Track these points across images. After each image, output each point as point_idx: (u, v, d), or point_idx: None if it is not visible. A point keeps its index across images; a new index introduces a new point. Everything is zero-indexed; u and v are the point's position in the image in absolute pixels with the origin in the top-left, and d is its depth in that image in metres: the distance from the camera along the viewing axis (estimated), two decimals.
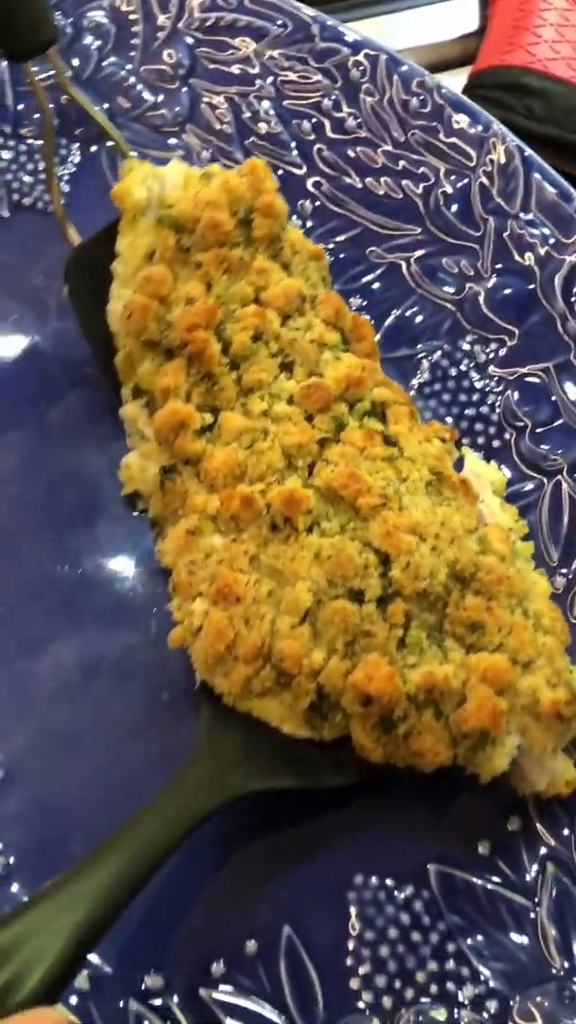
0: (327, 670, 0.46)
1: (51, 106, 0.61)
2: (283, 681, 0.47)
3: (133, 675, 0.52)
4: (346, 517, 0.49)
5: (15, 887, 0.47)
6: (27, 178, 0.66)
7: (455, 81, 0.80)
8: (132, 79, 0.68)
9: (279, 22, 0.68)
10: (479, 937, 0.47)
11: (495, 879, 0.49)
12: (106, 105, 0.68)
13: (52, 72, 0.62)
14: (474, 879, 0.49)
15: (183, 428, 0.52)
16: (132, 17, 0.68)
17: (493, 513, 0.52)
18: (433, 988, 0.46)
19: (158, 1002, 0.45)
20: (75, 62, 0.68)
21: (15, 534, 0.56)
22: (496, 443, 0.60)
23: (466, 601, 0.47)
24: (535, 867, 0.49)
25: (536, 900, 0.48)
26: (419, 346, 0.63)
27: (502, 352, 0.61)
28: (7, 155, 0.66)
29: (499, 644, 0.47)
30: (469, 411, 0.61)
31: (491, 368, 0.61)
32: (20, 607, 0.53)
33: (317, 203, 0.66)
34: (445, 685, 0.46)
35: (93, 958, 0.45)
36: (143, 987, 0.45)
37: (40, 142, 0.65)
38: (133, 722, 0.51)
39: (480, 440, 0.60)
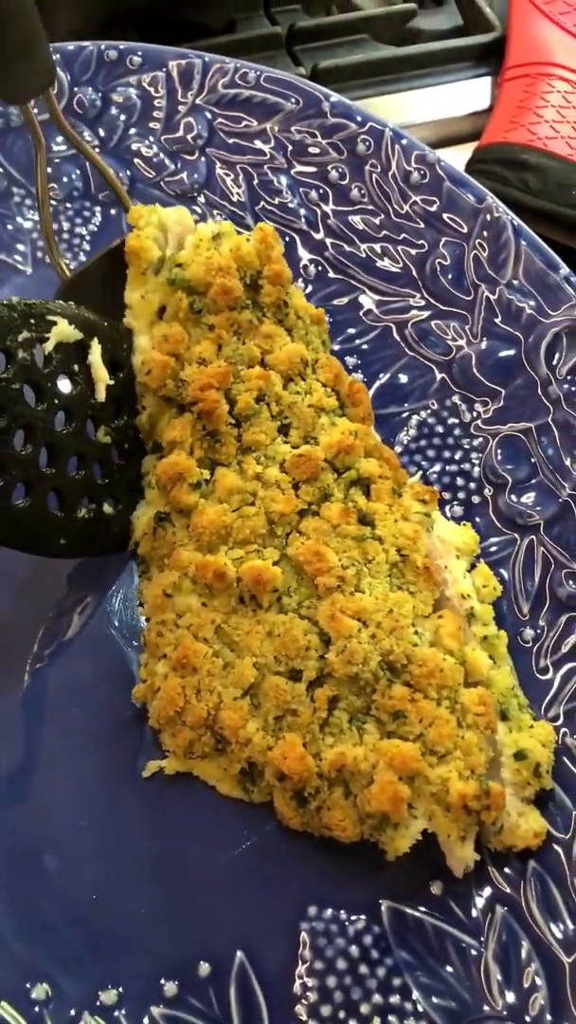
0: (253, 743, 0.50)
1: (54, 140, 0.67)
2: (220, 747, 0.52)
3: (103, 703, 0.56)
4: (307, 592, 0.53)
5: None
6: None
7: (464, 155, 0.84)
8: (154, 148, 0.73)
9: (293, 99, 0.72)
10: (425, 973, 0.49)
11: (445, 918, 0.50)
12: (128, 172, 0.73)
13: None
14: (425, 917, 0.50)
15: (180, 480, 0.56)
16: (157, 92, 0.73)
17: (456, 581, 0.54)
18: (376, 1021, 0.48)
19: (112, 1015, 0.47)
20: (101, 132, 0.73)
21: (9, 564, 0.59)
22: (476, 499, 0.62)
23: (393, 690, 0.50)
24: (485, 908, 0.50)
25: (482, 940, 0.49)
26: (407, 404, 0.66)
27: (486, 412, 0.64)
28: (35, 216, 0.71)
29: (419, 734, 0.50)
30: (451, 467, 0.63)
31: (475, 427, 0.64)
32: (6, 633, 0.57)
33: (320, 267, 0.70)
34: (354, 766, 0.49)
35: (51, 971, 0.48)
36: (98, 1002, 0.47)
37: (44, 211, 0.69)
38: (99, 741, 0.54)
39: (460, 495, 0.62)
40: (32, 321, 0.53)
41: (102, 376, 0.57)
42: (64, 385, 0.55)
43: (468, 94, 0.88)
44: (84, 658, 0.56)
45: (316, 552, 0.53)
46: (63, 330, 0.55)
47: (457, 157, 0.83)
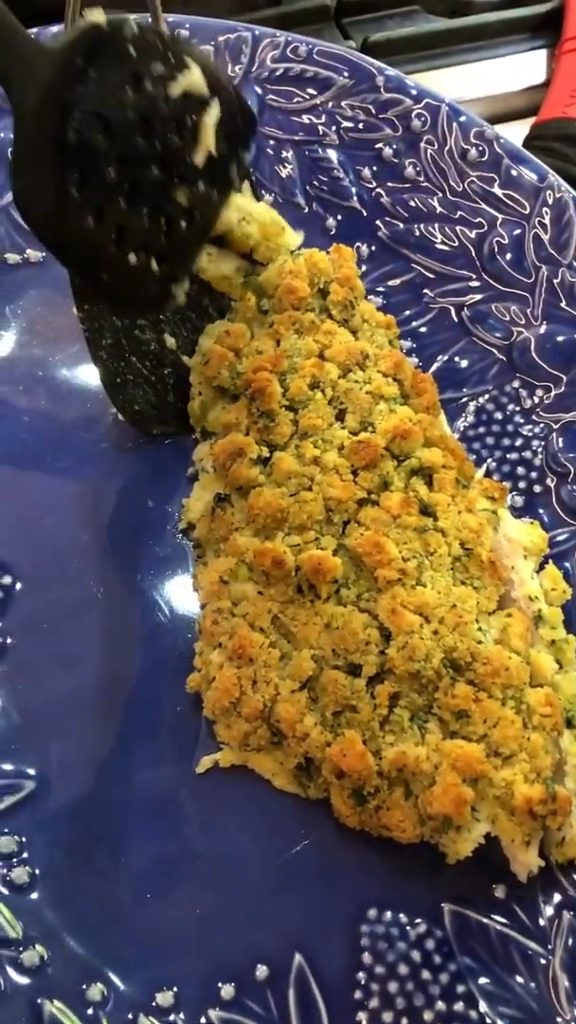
0: (311, 739, 0.49)
1: None
2: (277, 740, 0.51)
3: (157, 693, 0.54)
4: (366, 585, 0.51)
5: (36, 895, 0.48)
6: None
7: (519, 131, 0.82)
8: None
9: (345, 73, 0.70)
10: (489, 980, 0.47)
11: (510, 923, 0.49)
12: None
13: None
14: (489, 921, 0.49)
15: (241, 456, 0.55)
16: None
17: (523, 582, 0.52)
18: None
19: (168, 1018, 0.46)
20: None
21: (66, 554, 0.58)
22: (537, 488, 0.60)
23: (456, 688, 0.48)
24: (551, 914, 0.49)
25: (550, 947, 0.48)
26: (465, 390, 0.64)
27: (548, 399, 0.62)
28: None
29: (483, 735, 0.48)
30: (512, 455, 0.61)
31: (536, 414, 0.62)
32: (63, 624, 0.55)
33: (374, 247, 0.68)
34: (416, 766, 0.47)
35: (108, 971, 0.47)
36: (154, 1003, 0.46)
37: None
38: (156, 738, 0.53)
39: (521, 484, 0.60)
40: (171, 57, 0.52)
41: (207, 142, 0.55)
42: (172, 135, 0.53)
43: (523, 67, 0.85)
44: (137, 647, 0.55)
45: (376, 544, 0.51)
46: (195, 79, 0.53)
47: (513, 133, 0.80)
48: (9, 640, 0.54)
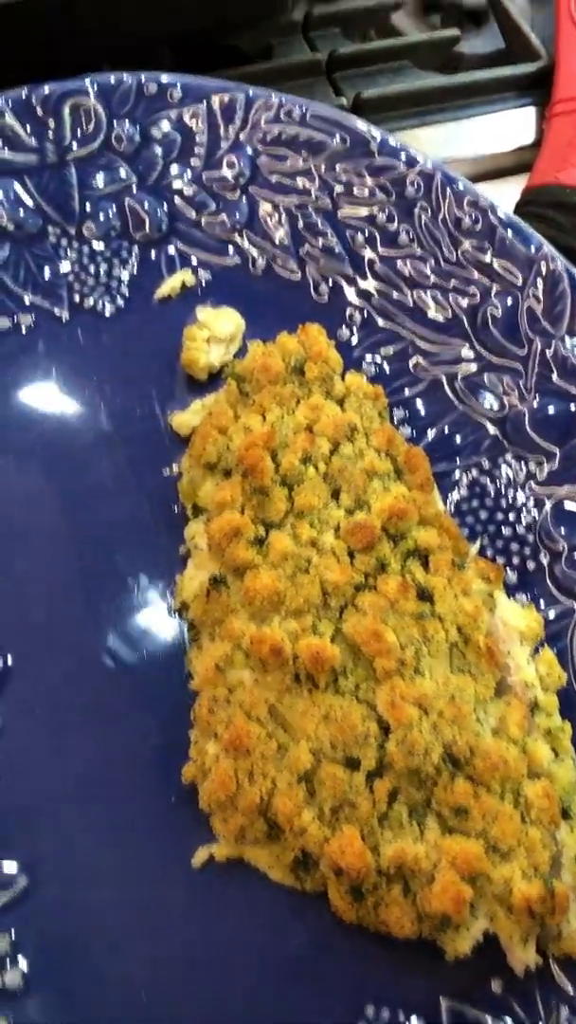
0: (308, 834, 0.48)
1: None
2: (273, 834, 0.50)
3: (148, 774, 0.53)
4: (364, 673, 0.51)
5: (28, 999, 0.47)
6: (90, 280, 0.68)
7: (509, 188, 0.82)
8: (194, 186, 0.71)
9: (339, 136, 0.69)
10: None
11: (508, 1018, 0.48)
12: (167, 210, 0.70)
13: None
14: (486, 1017, 0.48)
15: (237, 536, 0.54)
16: (198, 127, 0.70)
17: (519, 668, 0.52)
18: None
19: None
20: (140, 169, 0.70)
21: (59, 624, 0.57)
22: (531, 564, 0.60)
23: (455, 784, 0.48)
24: (549, 1011, 0.48)
25: None
26: (458, 461, 0.64)
27: (541, 473, 0.62)
28: (73, 255, 0.69)
29: (481, 830, 0.48)
30: (506, 531, 0.61)
31: (529, 488, 0.62)
32: (55, 709, 0.54)
33: (366, 314, 0.68)
34: (415, 864, 0.47)
35: None
36: None
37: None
38: (147, 821, 0.52)
39: (515, 561, 0.60)
40: None
41: None
42: None
43: (514, 125, 0.85)
44: (131, 733, 0.54)
45: (374, 632, 0.50)
46: None
47: (504, 191, 0.81)
48: (1, 727, 0.53)
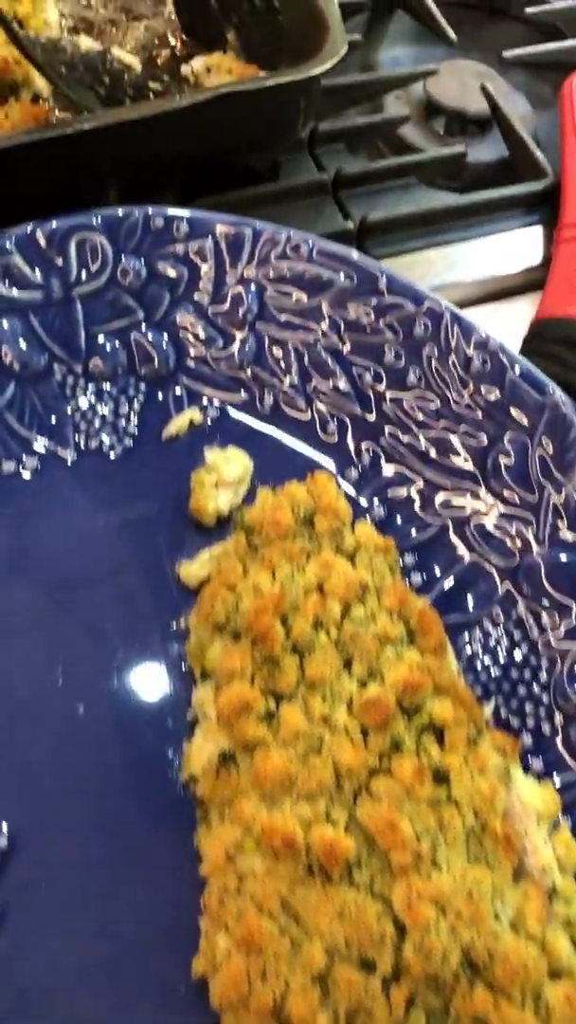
0: None
1: None
2: None
3: (162, 974, 0.51)
4: (379, 865, 0.49)
5: None
6: (96, 420, 0.68)
7: (517, 309, 0.82)
8: (201, 322, 0.70)
9: (347, 275, 0.69)
10: None
11: None
12: (174, 346, 0.70)
13: None
14: None
15: (247, 711, 0.53)
16: (204, 262, 0.70)
17: (536, 850, 0.51)
18: None
19: None
20: (146, 304, 0.70)
21: (65, 804, 0.56)
22: (545, 727, 0.59)
23: (474, 993, 0.46)
24: None
25: None
26: (471, 612, 0.63)
27: (555, 628, 0.61)
28: (80, 393, 0.68)
29: None
30: (520, 690, 0.60)
31: (543, 645, 0.61)
32: (62, 890, 0.53)
33: (375, 455, 0.67)
34: None
35: None
36: None
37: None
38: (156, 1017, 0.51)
39: (529, 723, 0.59)
40: None
41: None
42: None
43: (521, 245, 0.85)
44: (143, 919, 0.53)
45: (390, 823, 0.49)
46: None
47: (511, 311, 0.80)
48: (5, 908, 0.52)
